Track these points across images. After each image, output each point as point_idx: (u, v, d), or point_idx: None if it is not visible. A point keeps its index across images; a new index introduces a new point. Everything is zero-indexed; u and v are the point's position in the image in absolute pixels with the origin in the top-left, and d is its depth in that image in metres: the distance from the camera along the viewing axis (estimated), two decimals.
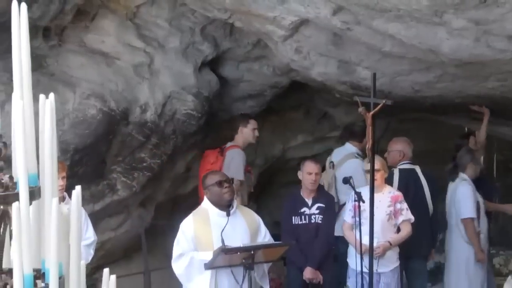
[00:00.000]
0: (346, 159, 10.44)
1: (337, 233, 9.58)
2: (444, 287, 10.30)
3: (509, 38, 7.37)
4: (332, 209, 9.07)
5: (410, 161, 9.86)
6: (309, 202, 8.93)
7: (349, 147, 10.65)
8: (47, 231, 2.71)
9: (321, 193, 9.07)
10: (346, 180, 9.87)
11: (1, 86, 2.40)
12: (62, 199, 6.79)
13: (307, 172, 8.91)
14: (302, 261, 8.84)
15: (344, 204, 9.69)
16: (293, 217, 8.94)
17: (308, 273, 8.79)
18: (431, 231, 9.75)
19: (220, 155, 10.71)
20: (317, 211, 8.88)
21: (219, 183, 7.49)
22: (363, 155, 10.39)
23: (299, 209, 8.92)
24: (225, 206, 7.49)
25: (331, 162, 10.80)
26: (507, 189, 14.89)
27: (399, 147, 9.79)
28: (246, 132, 10.69)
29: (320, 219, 8.88)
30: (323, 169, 10.44)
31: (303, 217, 8.91)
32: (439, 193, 10.14)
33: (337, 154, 10.71)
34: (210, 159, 10.70)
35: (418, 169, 9.88)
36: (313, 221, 8.89)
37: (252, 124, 10.74)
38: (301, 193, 9.01)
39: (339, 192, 10.23)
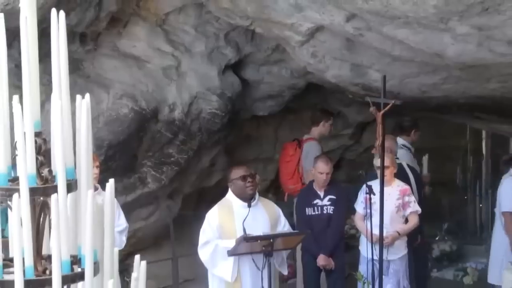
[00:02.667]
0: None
1: None
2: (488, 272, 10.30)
3: (509, 43, 7.34)
4: (343, 200, 9.05)
5: (396, 157, 9.77)
6: (321, 194, 8.92)
7: (399, 140, 10.47)
8: (83, 220, 2.72)
9: (332, 185, 9.05)
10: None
11: (41, 87, 2.40)
12: (94, 189, 6.81)
13: (319, 172, 8.90)
14: (316, 249, 8.83)
15: None
16: (307, 208, 8.93)
17: (322, 260, 8.78)
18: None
19: (298, 147, 10.86)
20: (329, 203, 8.87)
21: (243, 178, 7.50)
22: (410, 147, 10.40)
23: (312, 200, 8.92)
24: (248, 199, 7.51)
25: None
26: None
27: (387, 144, 9.65)
28: (326, 127, 10.91)
29: (332, 210, 8.87)
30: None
31: (315, 208, 8.90)
32: (422, 185, 10.06)
33: None
34: (289, 151, 10.82)
35: (404, 164, 9.80)
36: (325, 212, 8.87)
37: (331, 120, 11.13)
38: (314, 186, 9.00)
39: None
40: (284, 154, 10.91)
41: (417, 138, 10.52)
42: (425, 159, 10.47)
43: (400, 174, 9.27)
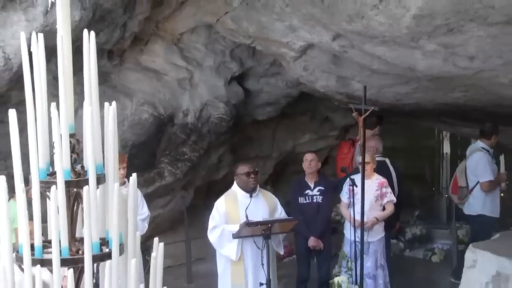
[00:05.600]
0: (473, 152, 9.88)
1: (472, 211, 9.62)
2: None
3: (470, 58, 7.33)
4: (330, 191, 9.00)
5: (381, 154, 9.67)
6: (312, 186, 8.87)
7: (479, 143, 9.92)
8: (110, 208, 2.72)
9: (321, 178, 9.01)
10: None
11: (75, 96, 2.41)
12: (123, 184, 6.80)
13: (305, 159, 8.89)
14: (307, 232, 8.80)
15: (472, 188, 9.66)
16: (299, 198, 8.89)
17: (312, 241, 8.76)
18: (396, 209, 9.43)
19: (352, 146, 10.77)
20: (318, 193, 8.83)
21: (247, 174, 7.48)
22: (489, 149, 9.75)
23: (304, 191, 8.87)
24: (250, 191, 7.49)
25: (465, 154, 10.44)
26: None
27: (372, 144, 9.57)
28: (378, 130, 10.90)
29: (321, 199, 8.82)
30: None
31: (307, 197, 8.86)
32: (402, 178, 9.94)
33: (470, 149, 10.17)
34: (344, 150, 10.71)
35: (387, 161, 9.71)
36: (315, 200, 8.83)
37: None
38: (305, 179, 8.97)
39: (468, 178, 9.86)
40: (340, 152, 10.71)
41: (496, 143, 9.87)
42: (502, 158, 10.06)
43: (384, 170, 9.25)
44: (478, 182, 9.67)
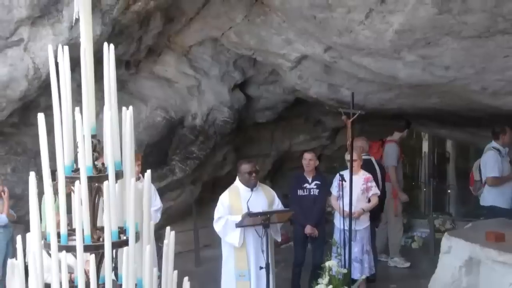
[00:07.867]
0: (486, 150, 9.61)
1: (485, 203, 9.42)
2: None
3: (446, 68, 7.34)
4: (325, 185, 8.96)
5: (367, 153, 9.65)
6: (309, 180, 8.86)
7: (492, 143, 9.57)
8: (127, 201, 2.72)
9: (318, 174, 8.99)
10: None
11: (96, 101, 2.44)
12: (138, 179, 6.79)
13: (304, 159, 8.87)
14: (304, 221, 8.79)
15: (484, 182, 9.49)
16: (298, 190, 8.88)
17: (308, 229, 8.74)
18: (380, 202, 9.37)
19: (381, 147, 10.71)
20: (315, 186, 8.81)
21: (249, 173, 7.47)
22: (501, 148, 9.39)
23: (302, 184, 8.85)
24: (251, 187, 7.49)
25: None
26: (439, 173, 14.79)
27: (359, 144, 9.52)
28: (406, 132, 10.86)
29: (317, 192, 8.80)
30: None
31: (305, 190, 8.84)
32: (385, 176, 9.88)
33: (485, 148, 9.81)
34: (373, 149, 10.54)
35: (373, 159, 9.70)
36: (312, 193, 8.81)
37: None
38: (304, 174, 8.97)
39: (482, 173, 9.65)
40: (369, 151, 10.57)
41: (508, 141, 9.51)
42: None
43: (370, 167, 9.23)
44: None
